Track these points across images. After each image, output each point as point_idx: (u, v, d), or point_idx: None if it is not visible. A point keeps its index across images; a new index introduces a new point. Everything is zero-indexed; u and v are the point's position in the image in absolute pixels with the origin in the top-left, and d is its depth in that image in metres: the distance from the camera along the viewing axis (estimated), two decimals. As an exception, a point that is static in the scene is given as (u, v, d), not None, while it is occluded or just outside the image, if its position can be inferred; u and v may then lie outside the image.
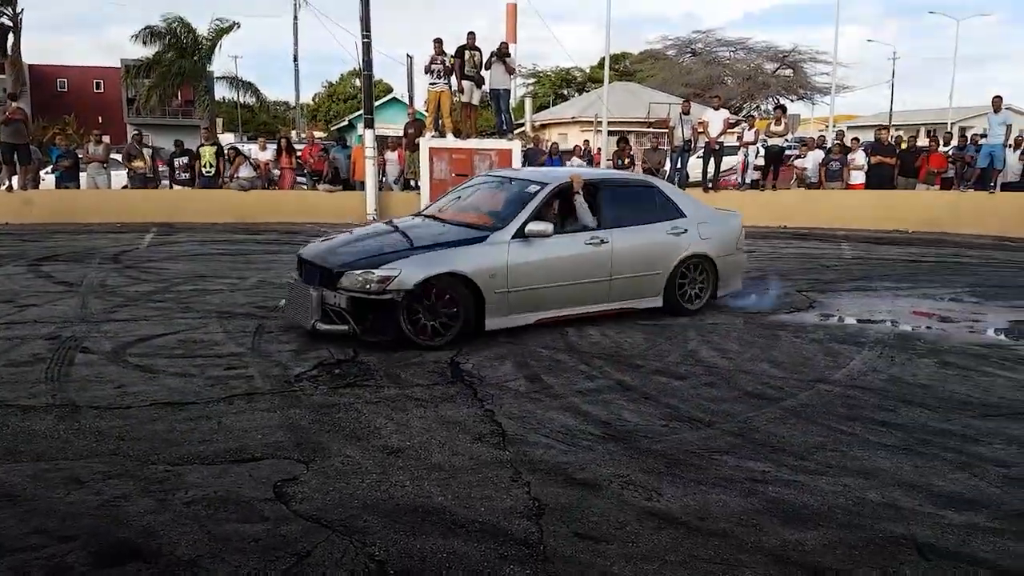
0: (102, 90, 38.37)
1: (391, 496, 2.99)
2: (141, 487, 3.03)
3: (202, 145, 14.32)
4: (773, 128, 14.13)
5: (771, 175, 14.14)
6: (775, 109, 15.22)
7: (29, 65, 28.74)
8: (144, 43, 24.99)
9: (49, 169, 15.51)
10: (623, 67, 44.79)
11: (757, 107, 38.65)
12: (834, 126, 24.72)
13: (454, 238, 5.73)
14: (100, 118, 32.90)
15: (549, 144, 18.19)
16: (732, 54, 39.56)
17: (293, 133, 29.65)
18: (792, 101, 37.51)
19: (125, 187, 14.65)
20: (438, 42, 12.67)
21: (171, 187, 14.67)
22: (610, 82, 24.21)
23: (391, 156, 14.46)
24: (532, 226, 5.65)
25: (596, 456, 3.44)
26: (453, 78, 12.76)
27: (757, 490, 3.10)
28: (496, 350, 5.15)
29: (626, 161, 14.48)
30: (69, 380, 4.36)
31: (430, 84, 12.94)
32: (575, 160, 15.56)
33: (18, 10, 23.97)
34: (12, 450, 3.36)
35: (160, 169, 15.53)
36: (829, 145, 15.27)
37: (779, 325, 6.11)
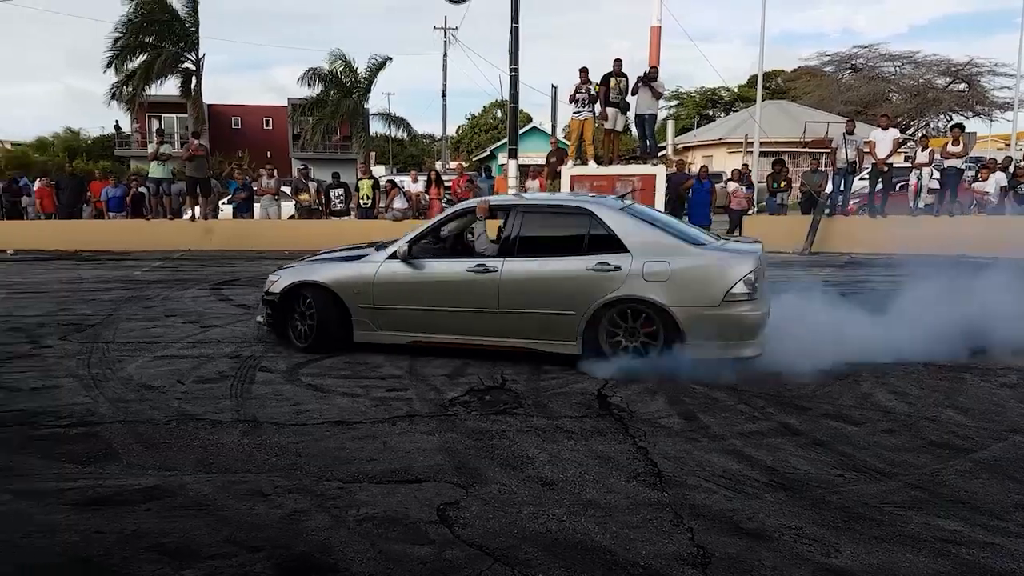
0: (271, 127, 41.68)
1: (548, 529, 2.99)
2: (318, 503, 3.21)
3: (360, 179, 15.22)
4: (951, 148, 13.12)
5: (947, 198, 13.14)
6: (952, 128, 14.10)
7: (208, 105, 31.66)
8: (310, 84, 27.07)
9: (226, 200, 16.97)
10: (775, 85, 43.27)
11: (927, 125, 36.11)
12: (1017, 145, 22.64)
13: (344, 256, 6.23)
14: (269, 153, 35.64)
15: (692, 167, 17.83)
16: (898, 69, 37.28)
17: (438, 164, 30.93)
18: (967, 118, 34.74)
19: (292, 217, 15.79)
20: (584, 71, 12.82)
21: (327, 217, 15.64)
22: (762, 100, 23.47)
23: (532, 184, 14.71)
24: (395, 248, 5.83)
25: (764, 505, 3.27)
26: (597, 105, 12.86)
27: (949, 551, 2.84)
28: (645, 384, 5.05)
29: (782, 184, 13.93)
30: (250, 397, 4.71)
31: (574, 113, 13.09)
32: (731, 185, 15.03)
33: (200, 55, 26.56)
34: (203, 461, 3.66)
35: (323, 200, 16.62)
36: (1012, 168, 14.01)
37: (963, 367, 5.61)
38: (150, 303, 8.22)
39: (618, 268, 5.29)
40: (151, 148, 15.40)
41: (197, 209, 14.77)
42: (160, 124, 36.06)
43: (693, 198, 13.93)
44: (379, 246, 6.16)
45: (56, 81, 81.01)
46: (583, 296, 5.35)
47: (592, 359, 5.32)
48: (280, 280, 6.12)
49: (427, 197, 15.43)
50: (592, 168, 13.13)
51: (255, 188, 15.67)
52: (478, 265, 5.62)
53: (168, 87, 26.81)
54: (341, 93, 26.63)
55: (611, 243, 5.41)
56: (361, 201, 14.88)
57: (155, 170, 14.79)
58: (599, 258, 5.37)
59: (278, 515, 3.08)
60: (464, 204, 6.36)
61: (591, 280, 5.35)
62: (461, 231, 6.35)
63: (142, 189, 15.31)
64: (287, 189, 16.38)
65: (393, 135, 37.83)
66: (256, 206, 15.35)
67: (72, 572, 2.62)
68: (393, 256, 5.84)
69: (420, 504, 3.20)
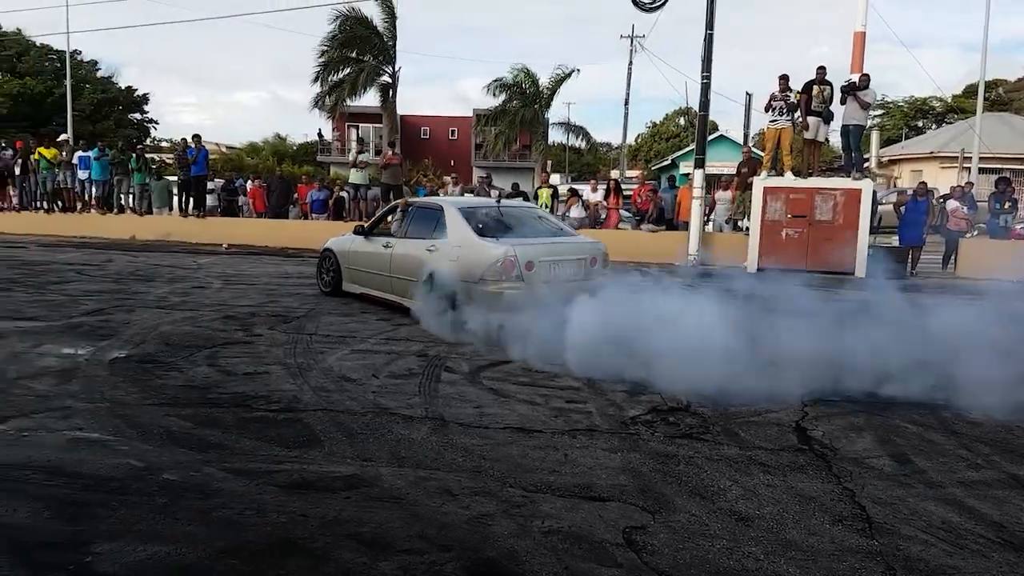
0: (455, 137, 43.50)
1: (744, 567, 2.80)
2: (503, 508, 3.21)
3: (540, 187, 15.43)
4: None
5: None
6: None
7: (400, 115, 33.51)
8: (494, 94, 27.95)
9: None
10: (994, 95, 39.04)
11: None
12: None
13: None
14: (452, 161, 37.23)
15: (898, 182, 16.38)
16: None
17: (613, 173, 30.82)
18: None
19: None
20: (783, 78, 12.21)
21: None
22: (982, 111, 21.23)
23: (723, 195, 14.19)
24: (369, 225, 8.73)
25: (990, 565, 2.88)
26: (797, 114, 12.18)
27: None
28: (849, 419, 4.65)
29: (1006, 204, 12.48)
30: (437, 396, 4.85)
31: (770, 121, 12.50)
32: (951, 204, 13.59)
33: (397, 68, 28.20)
34: (396, 455, 3.80)
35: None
36: None
37: None
38: (347, 300, 8.76)
39: (437, 249, 7.24)
40: (351, 156, 16.54)
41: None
42: (358, 133, 38.77)
43: (906, 216, 12.82)
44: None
45: (265, 90, 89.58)
46: (421, 268, 7.34)
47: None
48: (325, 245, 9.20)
49: (605, 207, 15.35)
50: (788, 180, 12.46)
51: (440, 195, 16.36)
52: (387, 243, 8.06)
53: (366, 98, 28.75)
54: (523, 103, 27.27)
55: (442, 231, 7.36)
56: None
57: (354, 176, 15.88)
58: (432, 242, 7.37)
59: (466, 516, 3.12)
60: (394, 204, 9.32)
61: (424, 257, 7.35)
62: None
63: (343, 193, 16.48)
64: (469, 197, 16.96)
65: (571, 144, 38.15)
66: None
67: (280, 552, 2.78)
68: (359, 232, 8.53)
69: (605, 524, 3.11)
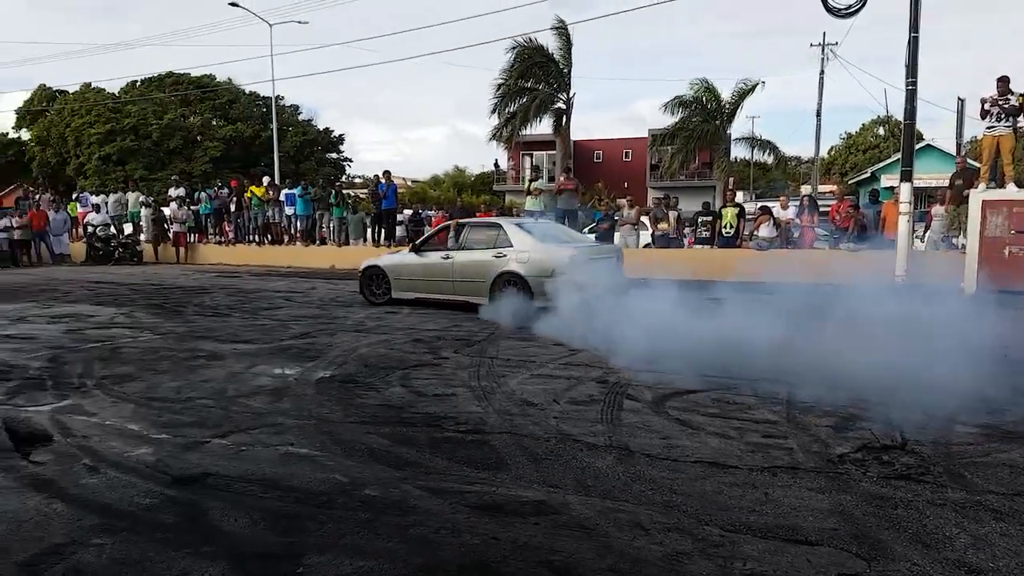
0: (629, 159, 43.28)
1: (986, 631, 2.44)
2: (699, 547, 3.04)
3: (724, 206, 14.89)
4: None
5: None
6: None
7: (573, 141, 33.84)
8: (672, 112, 27.51)
9: (588, 229, 17.88)
10: None
11: None
12: None
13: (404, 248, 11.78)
14: (626, 184, 37.04)
15: None
16: None
17: (804, 188, 29.10)
18: None
19: (647, 246, 16.07)
20: (1003, 80, 10.96)
21: (689, 246, 15.55)
22: None
23: (939, 211, 12.94)
24: (419, 243, 11.01)
25: None
26: (1021, 119, 10.88)
27: None
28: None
29: None
30: (620, 424, 4.74)
31: (987, 128, 11.25)
32: None
33: (571, 95, 28.58)
34: (582, 483, 3.74)
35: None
36: None
37: None
38: (523, 334, 8.90)
39: (505, 256, 9.57)
40: (528, 184, 16.91)
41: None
42: (532, 160, 39.71)
43: None
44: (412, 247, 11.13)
45: (446, 125, 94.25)
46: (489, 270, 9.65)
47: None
48: (363, 265, 11.22)
49: (798, 224, 14.49)
50: (1011, 192, 11.14)
51: (617, 218, 16.28)
52: (445, 256, 10.27)
53: (540, 126, 29.37)
54: (703, 119, 26.63)
55: (505, 242, 9.68)
56: (723, 229, 14.53)
57: (530, 203, 16.23)
58: (498, 250, 9.66)
59: (660, 553, 2.99)
60: (443, 224, 11.91)
61: (494, 262, 9.65)
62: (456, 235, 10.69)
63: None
64: (646, 219, 16.73)
65: (756, 160, 36.64)
66: (616, 235, 15.93)
67: (474, 573, 2.81)
68: (412, 250, 10.84)
69: (815, 570, 2.86)
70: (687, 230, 15.64)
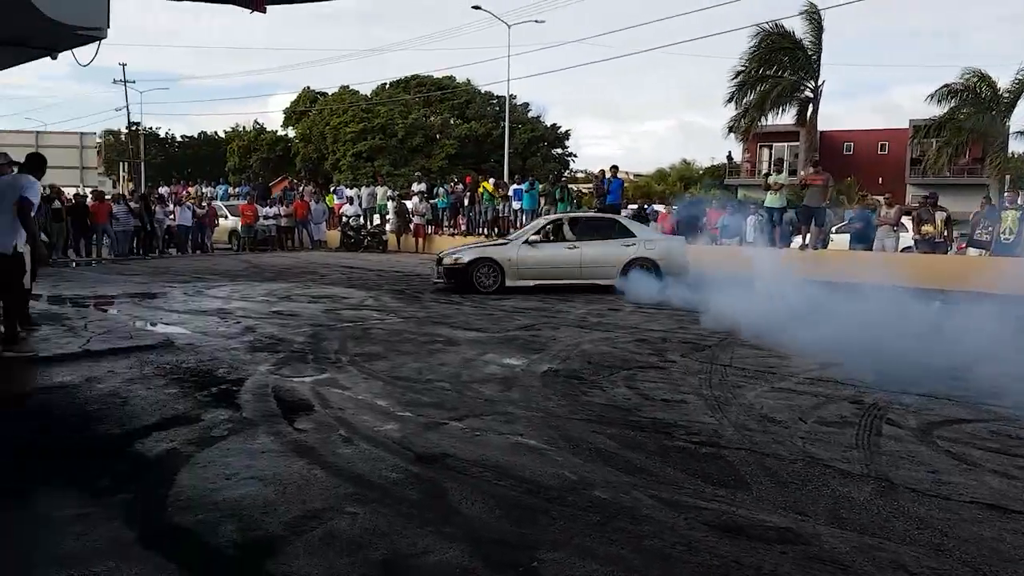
0: (885, 151, 39.31)
1: None
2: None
3: (1007, 208, 12.99)
4: None
5: None
6: None
7: (821, 131, 31.37)
8: (939, 102, 24.64)
9: (835, 228, 16.50)
10: None
11: None
12: None
13: (501, 243, 13.01)
14: (880, 179, 33.71)
15: None
16: None
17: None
18: None
19: (906, 250, 14.49)
20: None
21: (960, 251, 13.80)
22: None
23: None
24: (531, 238, 12.29)
25: None
26: None
27: None
28: None
29: None
30: (879, 452, 4.25)
31: None
32: None
33: (819, 82, 26.50)
34: (835, 514, 3.38)
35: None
36: None
37: None
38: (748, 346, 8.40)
39: (634, 244, 12.05)
40: (767, 178, 15.91)
41: (807, 238, 14.72)
42: (771, 153, 37.56)
43: None
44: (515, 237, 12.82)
45: (672, 118, 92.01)
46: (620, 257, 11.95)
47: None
48: (463, 256, 12.07)
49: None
50: None
51: (875, 220, 14.84)
52: (571, 247, 11.97)
53: (781, 116, 27.57)
54: (976, 111, 23.55)
55: (626, 232, 12.31)
56: (1002, 235, 12.67)
57: (770, 200, 15.26)
58: (623, 240, 12.15)
59: (932, 606, 2.61)
60: (555, 217, 13.24)
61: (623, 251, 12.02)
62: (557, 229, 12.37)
63: (752, 217, 16.00)
64: (907, 220, 15.08)
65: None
66: (876, 237, 14.51)
67: (713, 598, 2.63)
68: (525, 243, 12.09)
69: None
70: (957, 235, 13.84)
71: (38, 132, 21.79)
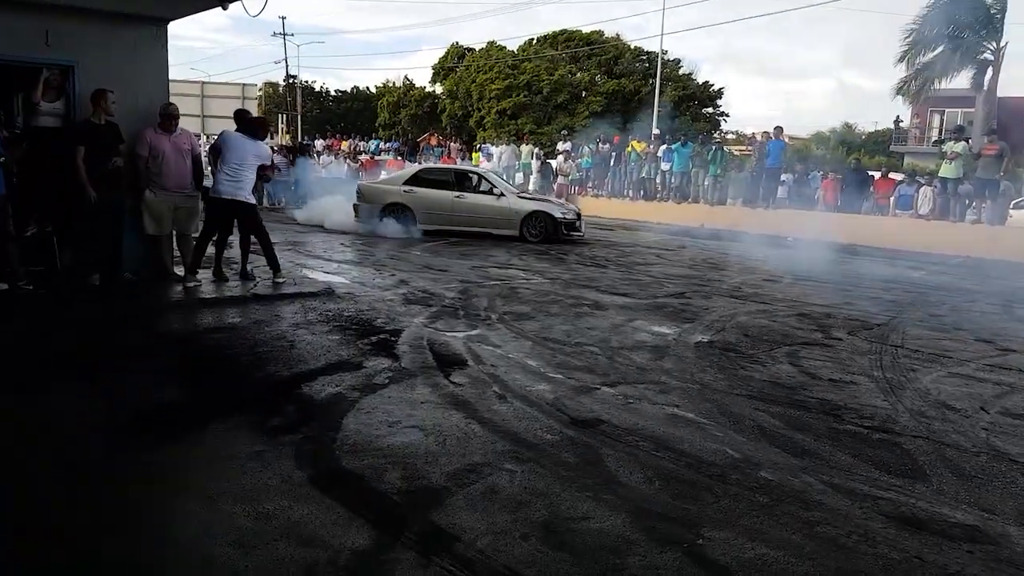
0: (1076, 120, 35.04)
1: None
2: None
3: None
4: None
5: None
6: None
7: (1000, 97, 28.41)
8: None
9: (1013, 204, 14.97)
10: None
11: None
12: None
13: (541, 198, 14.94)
14: (1070, 150, 30.09)
15: None
16: None
17: None
18: None
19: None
20: None
21: None
22: None
23: None
24: None
25: None
26: None
27: None
28: None
29: None
30: (1077, 451, 3.85)
31: None
32: None
33: (1002, 44, 23.82)
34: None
35: None
36: None
37: None
38: (935, 311, 7.78)
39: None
40: (947, 146, 14.55)
41: (981, 212, 13.47)
42: (942, 118, 34.40)
43: None
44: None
45: (831, 77, 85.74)
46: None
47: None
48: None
49: None
50: None
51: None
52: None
53: (956, 79, 25.11)
54: None
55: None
56: None
57: (945, 169, 14.02)
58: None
59: None
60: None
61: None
62: None
63: (926, 188, 14.78)
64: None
65: None
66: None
67: (894, 595, 2.49)
68: None
69: None
70: None
71: (203, 82, 22.81)
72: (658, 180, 20.05)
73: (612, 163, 21.63)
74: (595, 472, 3.39)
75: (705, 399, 4.50)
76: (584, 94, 43.90)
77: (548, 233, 12.88)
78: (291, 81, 49.37)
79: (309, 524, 2.80)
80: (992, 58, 24.17)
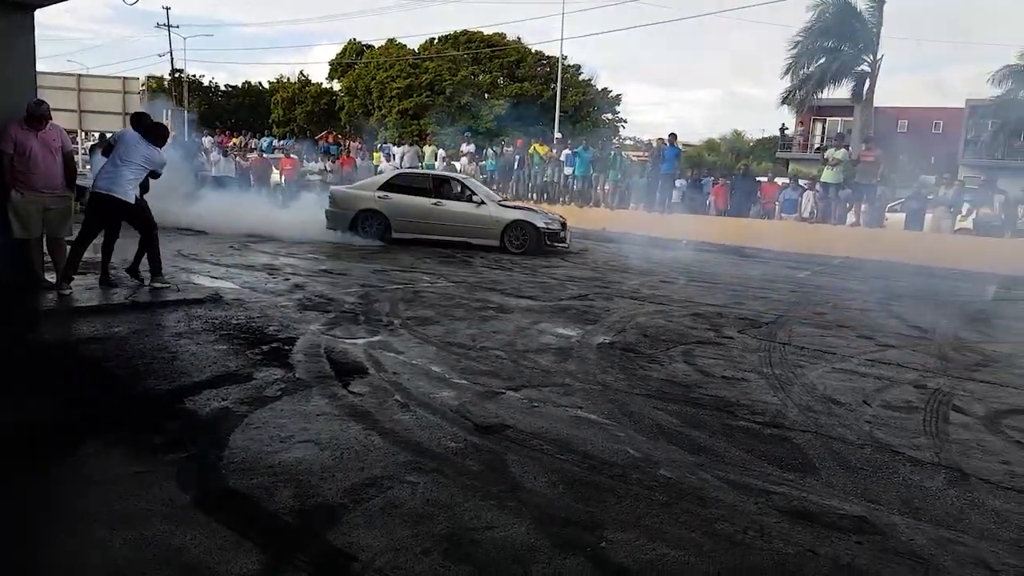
0: (940, 131, 37.97)
1: None
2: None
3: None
4: None
5: None
6: None
7: (876, 107, 30.39)
8: (998, 83, 23.67)
9: (888, 208, 15.98)
10: None
11: None
12: None
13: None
14: (932, 158, 32.59)
15: None
16: None
17: None
18: None
19: (960, 231, 13.99)
20: None
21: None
22: None
23: None
24: None
25: None
26: None
27: None
28: None
29: None
30: (948, 440, 4.10)
31: None
32: None
33: (878, 57, 25.49)
34: (908, 503, 3.26)
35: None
36: None
37: None
38: (819, 309, 8.18)
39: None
40: (830, 153, 15.37)
41: (857, 215, 14.32)
42: (824, 127, 36.48)
43: None
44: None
45: (720, 87, 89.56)
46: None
47: None
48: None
49: None
50: None
51: (930, 197, 14.36)
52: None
53: (837, 90, 26.67)
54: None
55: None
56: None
57: (827, 175, 14.84)
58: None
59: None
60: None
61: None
62: None
63: (809, 193, 15.58)
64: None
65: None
66: (928, 216, 14.06)
67: (788, 588, 2.55)
68: None
69: None
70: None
71: (80, 75, 21.15)
72: (561, 184, 20.30)
73: (516, 166, 21.74)
74: (499, 479, 3.33)
75: (607, 400, 4.54)
76: (487, 96, 43.99)
77: (531, 243, 12.21)
78: (177, 75, 47.11)
79: (192, 550, 2.62)
80: (869, 70, 25.81)
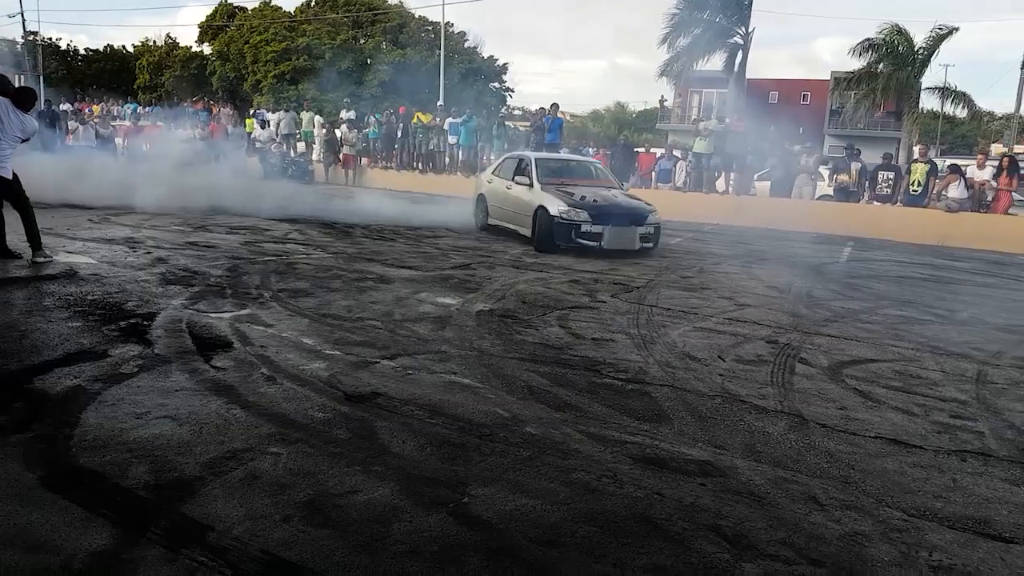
0: (807, 102, 40.28)
1: None
2: (880, 530, 2.81)
3: (915, 161, 13.61)
4: None
5: None
6: None
7: (748, 79, 31.86)
8: (859, 56, 25.25)
9: (757, 176, 16.90)
10: None
11: None
12: None
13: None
14: (801, 128, 34.59)
15: None
16: None
17: (994, 148, 26.14)
18: None
19: (822, 198, 14.99)
20: None
21: (870, 202, 14.37)
22: None
23: None
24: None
25: None
26: None
27: None
28: None
29: None
30: (792, 389, 4.46)
31: None
32: None
33: (750, 29, 26.72)
34: (751, 447, 3.54)
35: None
36: None
37: None
38: (687, 273, 8.60)
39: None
40: (701, 124, 16.08)
41: (727, 183, 15.06)
42: (701, 99, 37.89)
43: None
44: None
45: (604, 58, 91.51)
46: None
47: None
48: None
49: (994, 187, 13.01)
50: None
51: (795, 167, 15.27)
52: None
53: (713, 62, 27.78)
54: (894, 66, 24.26)
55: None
56: (911, 187, 13.30)
57: (698, 145, 15.49)
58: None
59: (837, 532, 2.78)
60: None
61: None
62: None
63: (682, 163, 16.22)
64: (824, 169, 15.58)
65: (946, 112, 33.10)
66: (796, 184, 14.97)
67: (639, 528, 2.73)
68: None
69: (1010, 570, 2.58)
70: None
71: None
72: (446, 153, 20.19)
73: (400, 134, 21.41)
74: (367, 446, 3.35)
75: (482, 364, 4.63)
76: (369, 62, 42.86)
77: (542, 234, 9.96)
78: (30, 38, 43.30)
79: (39, 528, 2.52)
80: (741, 42, 26.99)
